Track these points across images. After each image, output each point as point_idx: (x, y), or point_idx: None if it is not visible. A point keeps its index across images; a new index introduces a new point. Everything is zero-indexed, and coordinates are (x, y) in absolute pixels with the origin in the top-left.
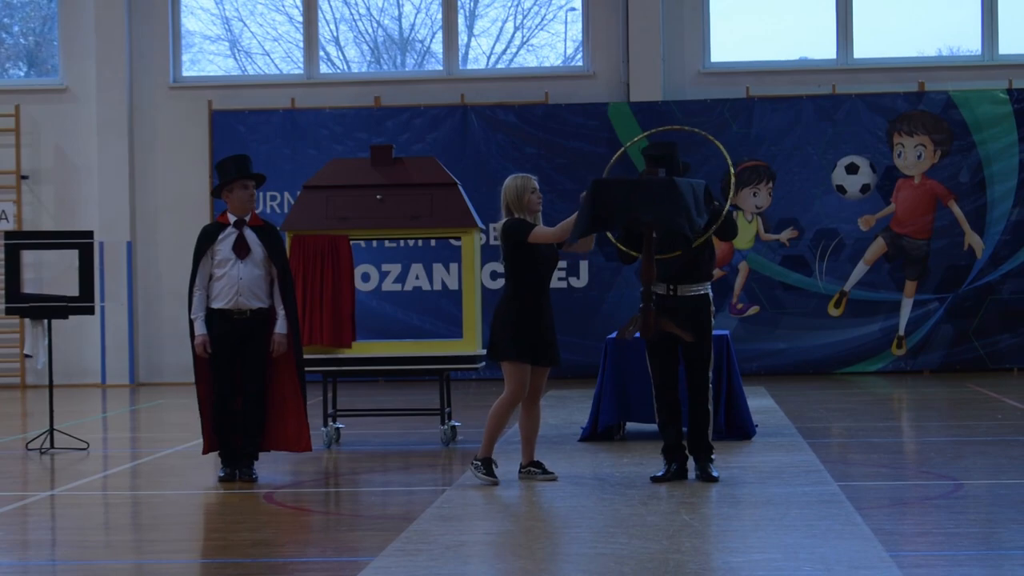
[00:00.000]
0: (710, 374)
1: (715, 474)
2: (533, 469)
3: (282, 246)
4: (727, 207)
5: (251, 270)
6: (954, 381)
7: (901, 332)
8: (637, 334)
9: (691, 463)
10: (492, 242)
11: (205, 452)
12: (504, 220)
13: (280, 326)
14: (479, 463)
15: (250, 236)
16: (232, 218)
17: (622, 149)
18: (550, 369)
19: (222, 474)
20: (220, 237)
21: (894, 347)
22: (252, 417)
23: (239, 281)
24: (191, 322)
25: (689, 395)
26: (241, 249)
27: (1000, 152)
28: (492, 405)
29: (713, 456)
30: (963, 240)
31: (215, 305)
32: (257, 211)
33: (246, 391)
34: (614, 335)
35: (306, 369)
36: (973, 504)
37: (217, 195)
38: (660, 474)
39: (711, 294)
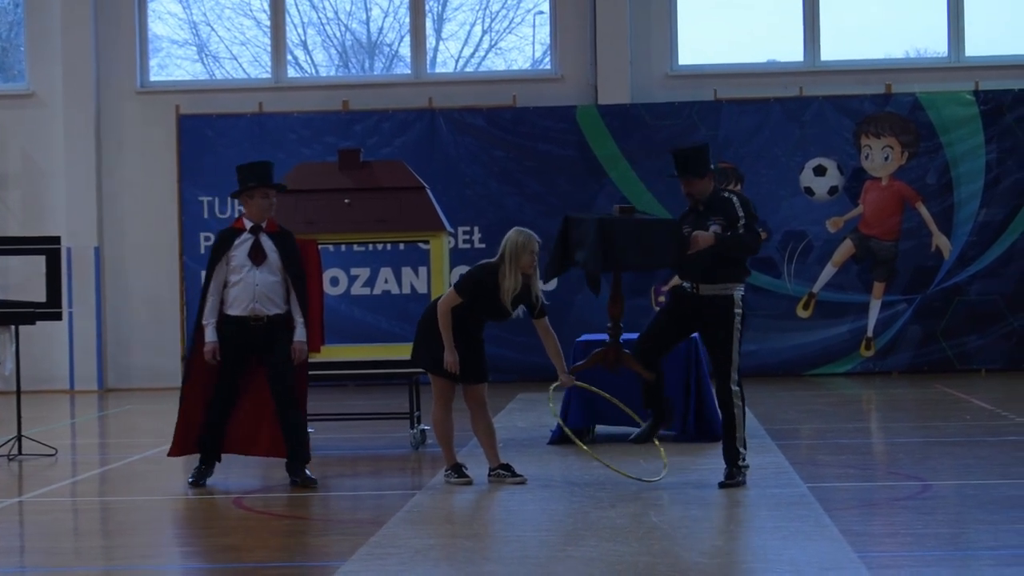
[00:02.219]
0: (734, 375)
1: (738, 479)
2: (502, 472)
3: (297, 252)
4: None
5: (267, 276)
6: (922, 382)
7: (869, 333)
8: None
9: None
10: (461, 245)
11: (173, 455)
12: (483, 263)
13: (299, 333)
14: (449, 471)
15: (266, 242)
16: (248, 223)
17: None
18: (484, 384)
19: (191, 479)
20: (236, 243)
21: (862, 348)
22: (292, 422)
23: (255, 288)
24: (201, 327)
25: (717, 397)
26: (257, 255)
27: (967, 153)
28: None
29: (741, 463)
30: (931, 241)
31: (231, 312)
32: (223, 215)
33: (279, 396)
34: (583, 338)
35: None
36: (941, 505)
37: (236, 197)
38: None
39: (738, 296)
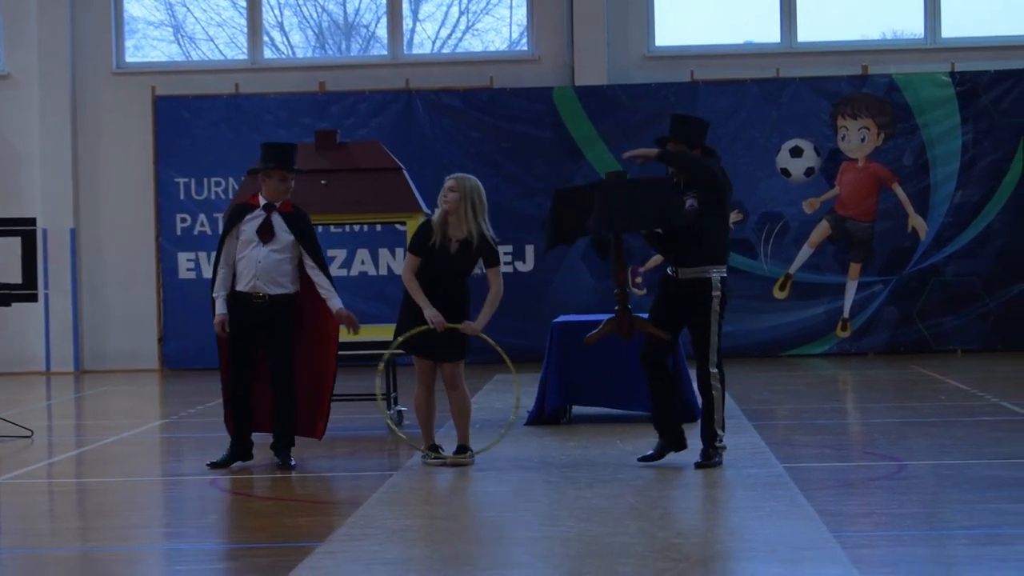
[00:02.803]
0: (713, 357)
1: (715, 460)
2: (458, 453)
3: (312, 230)
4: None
5: (272, 255)
6: (898, 363)
7: (846, 314)
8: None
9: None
10: None
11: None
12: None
13: (335, 303)
14: (426, 452)
15: (277, 221)
16: (263, 201)
17: None
18: (460, 362)
19: (217, 459)
20: (248, 218)
21: (839, 329)
22: (283, 404)
23: (257, 265)
24: (212, 300)
25: (697, 380)
26: (265, 233)
27: (943, 135)
28: None
29: (718, 444)
30: (907, 222)
31: (237, 287)
32: (200, 197)
33: (275, 378)
34: (560, 319)
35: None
36: (916, 484)
37: (253, 174)
38: (648, 453)
39: (717, 278)
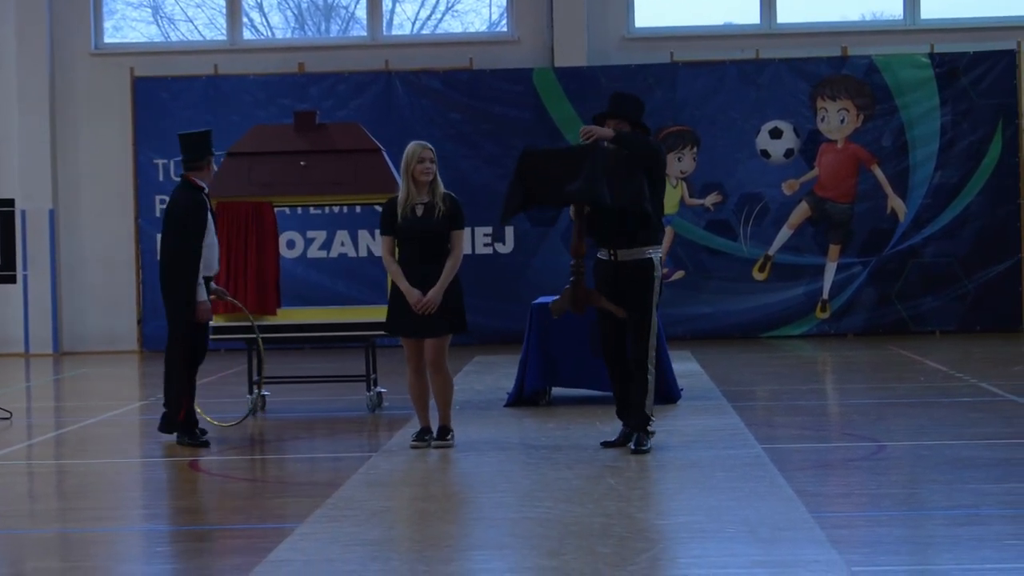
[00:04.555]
0: (651, 341)
1: (646, 447)
2: (439, 436)
3: None
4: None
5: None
6: (877, 344)
7: (825, 296)
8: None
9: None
10: None
11: (182, 419)
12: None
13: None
14: (415, 433)
15: None
16: (204, 187)
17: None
18: (443, 338)
19: (203, 440)
20: (208, 207)
21: (818, 310)
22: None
23: (216, 248)
24: (192, 289)
25: (630, 362)
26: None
27: (922, 116)
28: None
29: (650, 428)
30: (886, 204)
31: (208, 273)
32: (178, 178)
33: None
34: (540, 300)
35: (229, 337)
36: (895, 465)
37: (196, 165)
38: (611, 440)
39: (656, 258)
